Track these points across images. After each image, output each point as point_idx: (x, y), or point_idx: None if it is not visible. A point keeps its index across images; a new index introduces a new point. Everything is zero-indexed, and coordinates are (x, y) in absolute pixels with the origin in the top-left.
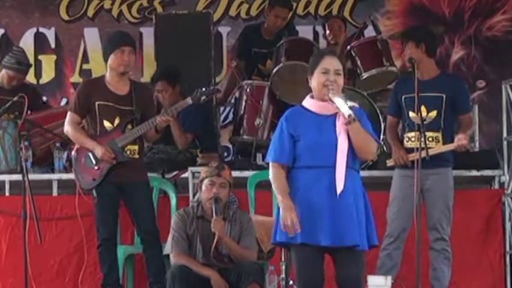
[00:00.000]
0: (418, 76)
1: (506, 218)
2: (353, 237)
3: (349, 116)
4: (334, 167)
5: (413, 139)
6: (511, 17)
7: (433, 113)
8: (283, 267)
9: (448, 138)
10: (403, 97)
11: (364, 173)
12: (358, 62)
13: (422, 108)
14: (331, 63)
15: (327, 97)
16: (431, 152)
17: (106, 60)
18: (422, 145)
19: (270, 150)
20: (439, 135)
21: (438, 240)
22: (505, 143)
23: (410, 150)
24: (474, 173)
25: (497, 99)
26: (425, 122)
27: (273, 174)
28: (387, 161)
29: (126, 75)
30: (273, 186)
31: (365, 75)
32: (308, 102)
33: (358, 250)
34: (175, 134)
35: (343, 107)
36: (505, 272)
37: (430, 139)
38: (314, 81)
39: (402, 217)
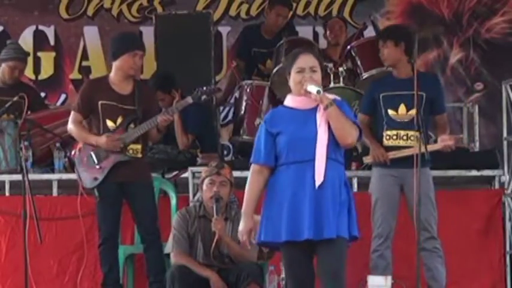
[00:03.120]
0: (396, 75)
1: (506, 218)
2: (331, 229)
3: (318, 92)
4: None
5: (394, 137)
6: (509, 18)
7: (413, 111)
8: (283, 267)
9: (425, 138)
10: (380, 95)
11: (364, 173)
12: (358, 62)
13: (402, 106)
14: (306, 61)
15: (303, 91)
16: (410, 151)
17: (111, 59)
18: (414, 144)
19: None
20: (418, 134)
21: (429, 240)
22: (505, 143)
23: (389, 148)
24: (474, 173)
25: (495, 102)
26: (405, 120)
27: (249, 177)
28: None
29: (131, 77)
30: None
31: (365, 75)
32: (287, 100)
33: (337, 240)
34: (177, 134)
35: (313, 88)
36: (505, 272)
37: (412, 138)
38: (291, 81)
39: (388, 217)
